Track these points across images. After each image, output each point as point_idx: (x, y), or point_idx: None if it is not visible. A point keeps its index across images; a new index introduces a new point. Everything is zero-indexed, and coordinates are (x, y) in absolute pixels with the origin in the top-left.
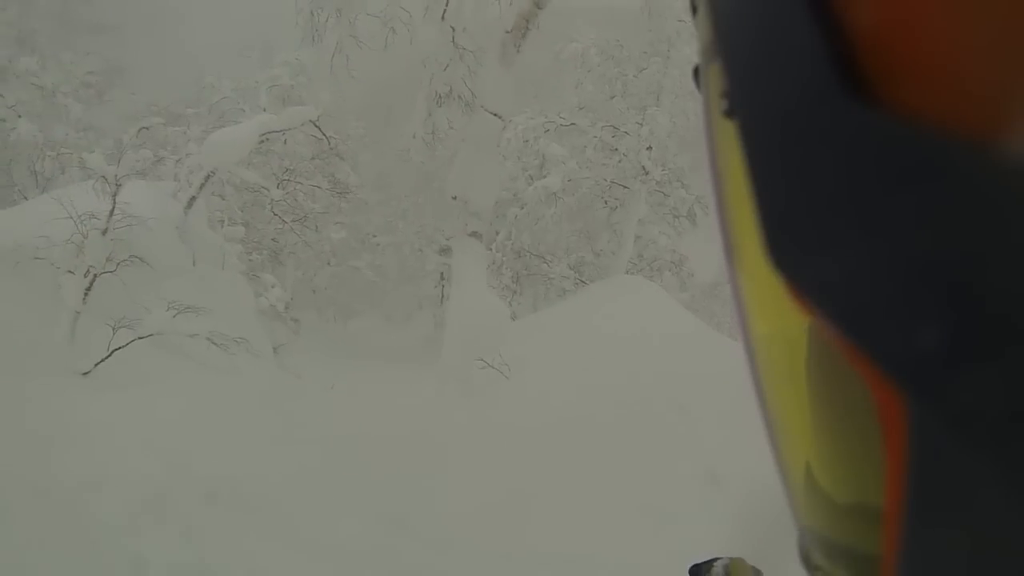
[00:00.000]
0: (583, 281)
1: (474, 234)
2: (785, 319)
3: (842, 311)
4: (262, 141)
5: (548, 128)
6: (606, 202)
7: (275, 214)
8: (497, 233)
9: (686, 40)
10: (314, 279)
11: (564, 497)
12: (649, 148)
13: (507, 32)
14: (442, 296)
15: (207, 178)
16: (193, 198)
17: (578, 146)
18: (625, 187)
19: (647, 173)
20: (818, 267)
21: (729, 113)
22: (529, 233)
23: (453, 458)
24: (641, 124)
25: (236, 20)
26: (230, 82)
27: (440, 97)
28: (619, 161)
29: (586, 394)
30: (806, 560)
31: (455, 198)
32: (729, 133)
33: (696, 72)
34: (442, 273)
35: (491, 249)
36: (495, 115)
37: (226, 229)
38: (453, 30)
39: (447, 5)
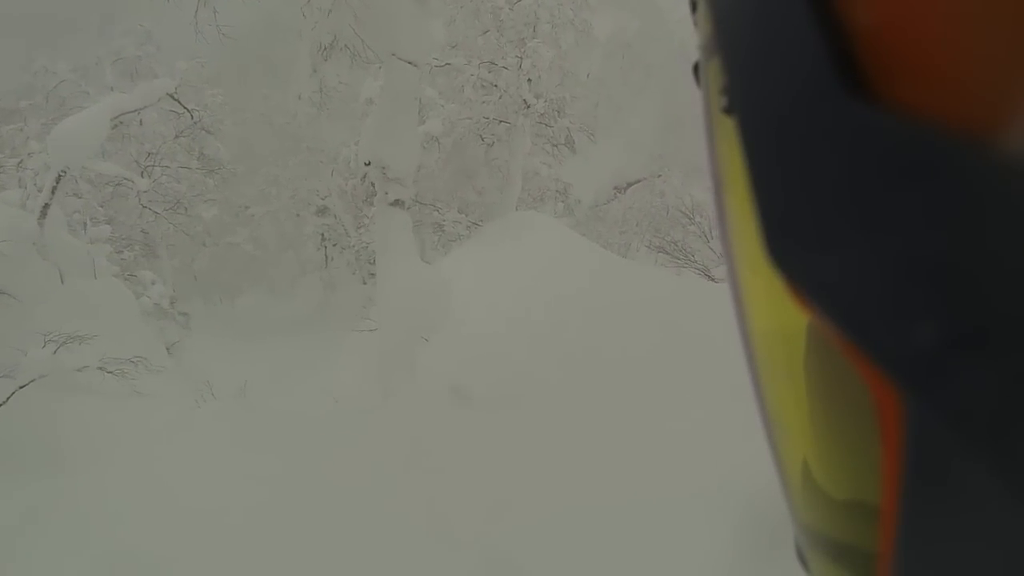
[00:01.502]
0: (474, 223)
1: (396, 203)
2: (784, 316)
3: (841, 309)
4: (115, 126)
5: (421, 71)
6: (483, 139)
7: (144, 206)
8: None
9: None
10: (193, 264)
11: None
12: (529, 81)
13: None
14: (325, 259)
15: (59, 179)
16: (46, 205)
17: (455, 87)
18: (505, 122)
19: (528, 106)
20: (817, 265)
21: (729, 110)
22: (412, 182)
23: (404, 445)
24: (521, 57)
25: None
26: (66, 62)
27: (324, 49)
28: (499, 97)
29: (525, 350)
30: (803, 558)
31: (368, 164)
32: (729, 130)
33: (696, 68)
34: (322, 234)
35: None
36: (411, 63)
37: (90, 231)
38: None
39: None
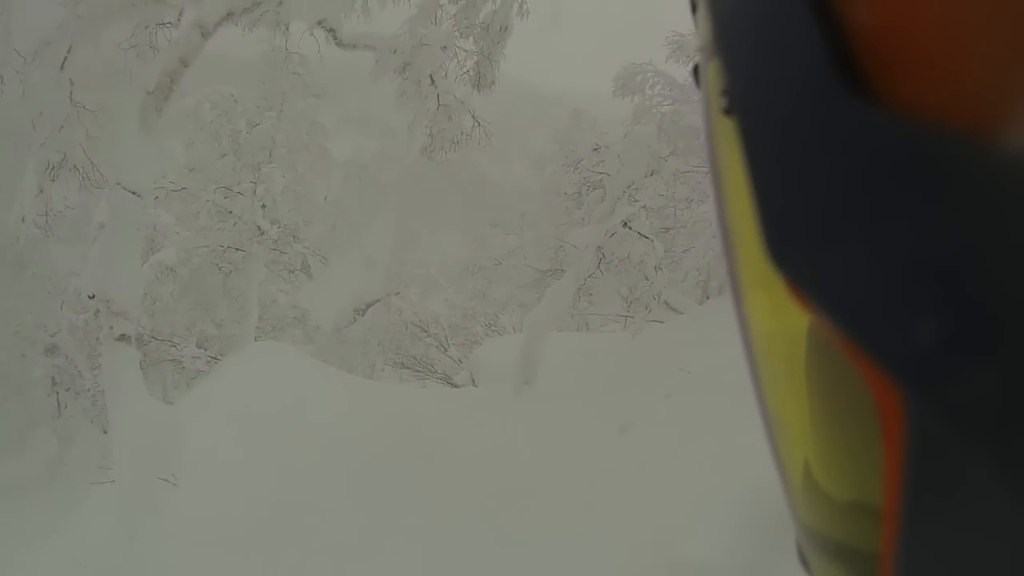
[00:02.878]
0: (214, 358)
1: (123, 338)
2: (785, 317)
3: (841, 308)
4: None
5: (157, 195)
6: (220, 268)
7: None
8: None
9: (299, 93)
10: None
11: None
12: (264, 206)
13: (148, 93)
14: (58, 406)
15: None
16: None
17: (191, 212)
18: (241, 250)
19: (263, 233)
20: (818, 264)
21: (729, 111)
22: (148, 316)
23: None
24: (255, 183)
25: None
26: None
27: (53, 168)
28: (234, 224)
29: (277, 482)
30: (804, 559)
31: (92, 297)
32: (729, 131)
33: (695, 70)
34: (53, 378)
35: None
36: (135, 193)
37: None
38: (72, 83)
39: (68, 53)
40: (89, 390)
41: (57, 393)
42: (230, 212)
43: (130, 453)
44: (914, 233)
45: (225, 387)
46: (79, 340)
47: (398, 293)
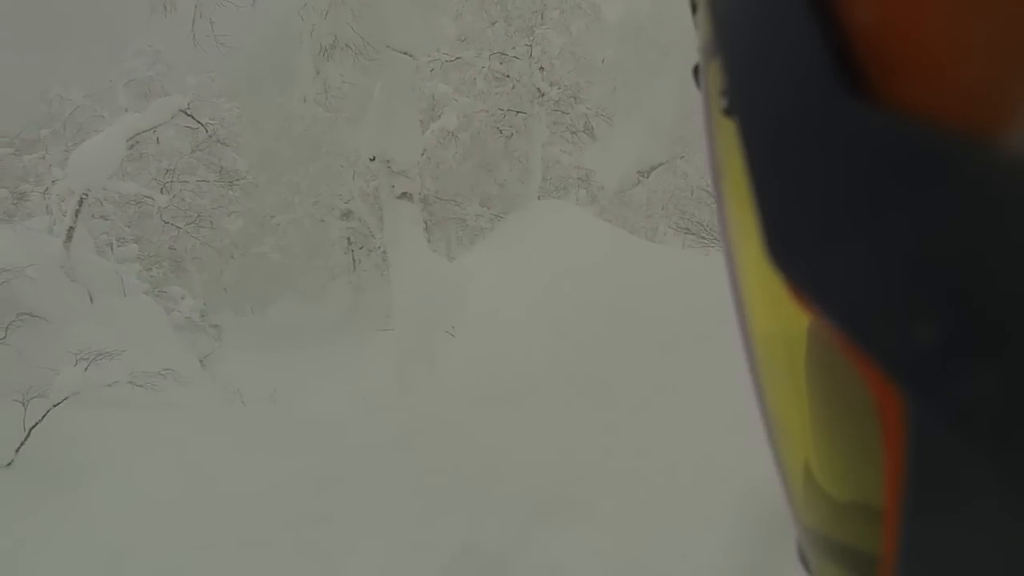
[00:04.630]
0: (497, 216)
1: (404, 195)
2: (785, 317)
3: (841, 309)
4: (132, 145)
5: (432, 67)
6: (501, 131)
7: (166, 222)
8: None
9: None
10: (222, 277)
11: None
12: (542, 69)
13: None
14: (353, 262)
15: (81, 201)
16: (71, 228)
17: (467, 79)
18: (522, 112)
19: (543, 95)
20: (818, 265)
21: (729, 111)
22: (432, 179)
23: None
24: (531, 45)
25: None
26: (80, 88)
27: (326, 50)
28: (512, 87)
29: (552, 342)
30: (804, 559)
31: (374, 159)
32: (729, 131)
33: (696, 70)
34: (348, 238)
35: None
36: (406, 54)
37: (118, 251)
38: None
39: None
40: (379, 247)
41: (352, 251)
42: (507, 76)
43: (408, 305)
44: (914, 233)
45: (510, 242)
46: (370, 205)
47: (683, 157)
